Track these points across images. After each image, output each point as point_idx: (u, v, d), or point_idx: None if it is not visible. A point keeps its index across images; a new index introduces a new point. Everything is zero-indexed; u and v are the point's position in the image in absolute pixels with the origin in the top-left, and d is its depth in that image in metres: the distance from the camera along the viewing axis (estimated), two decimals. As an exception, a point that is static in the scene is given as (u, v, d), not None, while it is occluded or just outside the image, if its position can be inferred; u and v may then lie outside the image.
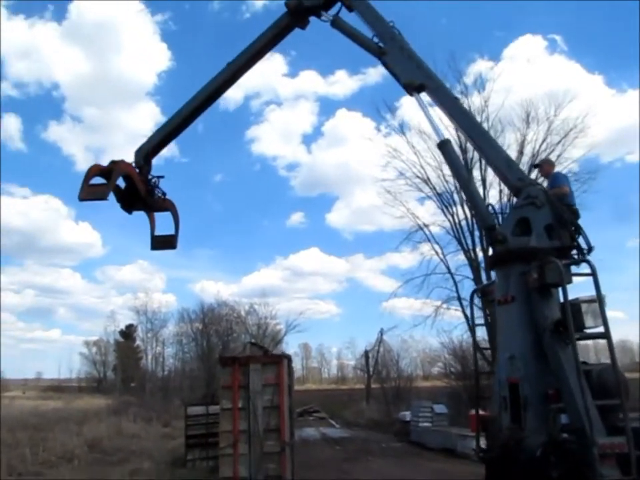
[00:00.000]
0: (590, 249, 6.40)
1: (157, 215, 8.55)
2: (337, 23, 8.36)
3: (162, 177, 8.28)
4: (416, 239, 25.05)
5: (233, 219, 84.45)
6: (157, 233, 8.53)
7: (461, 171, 7.94)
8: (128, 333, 57.67)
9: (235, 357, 10.44)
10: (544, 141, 23.20)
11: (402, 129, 25.72)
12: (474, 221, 22.44)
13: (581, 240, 6.45)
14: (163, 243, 8.45)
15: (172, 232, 8.53)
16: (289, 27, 8.62)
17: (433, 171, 24.29)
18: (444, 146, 7.55)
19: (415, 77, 7.59)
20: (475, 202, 7.67)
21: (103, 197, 7.32)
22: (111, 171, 7.54)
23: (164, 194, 8.37)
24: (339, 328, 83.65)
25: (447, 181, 23.82)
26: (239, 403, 9.86)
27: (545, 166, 8.02)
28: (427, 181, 24.59)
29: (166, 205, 8.39)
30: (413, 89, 7.61)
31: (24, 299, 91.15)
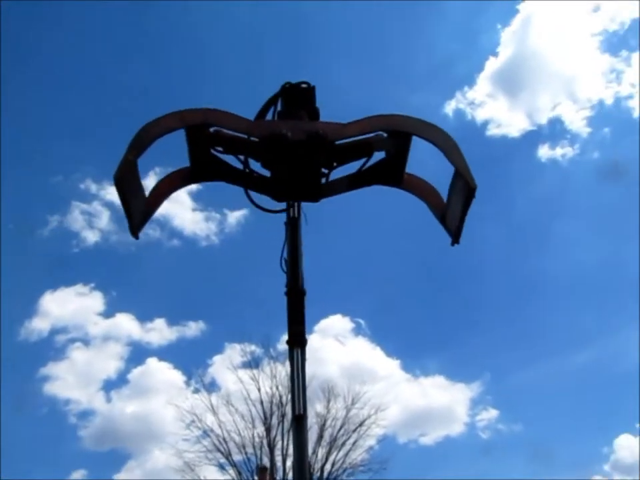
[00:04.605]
0: None
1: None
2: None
3: None
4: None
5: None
6: None
7: None
8: None
9: None
10: (342, 427, 23.31)
11: (209, 389, 24.84)
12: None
13: None
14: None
15: None
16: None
17: (235, 446, 22.77)
18: None
19: None
20: None
21: None
22: None
23: None
24: None
25: (248, 459, 22.28)
26: None
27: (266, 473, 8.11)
28: (227, 457, 22.80)
29: None
30: None
31: None
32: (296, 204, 4.48)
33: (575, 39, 35.68)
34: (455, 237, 3.86)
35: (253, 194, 4.13)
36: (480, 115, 31.89)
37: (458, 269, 33.57)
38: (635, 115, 33.53)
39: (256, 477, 21.74)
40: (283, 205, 4.43)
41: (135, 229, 3.70)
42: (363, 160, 4.13)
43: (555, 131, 33.01)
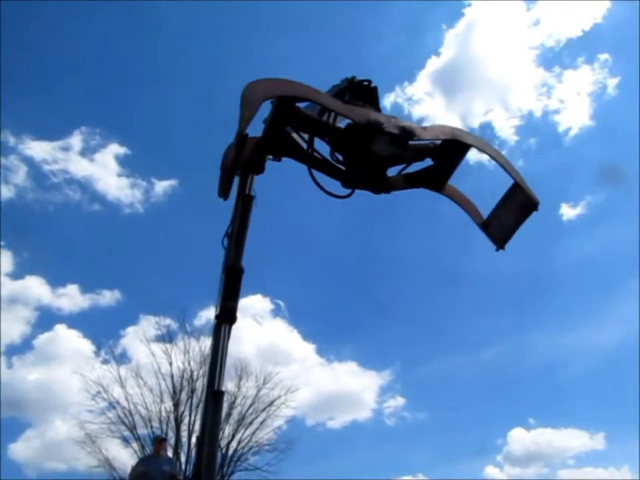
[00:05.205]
0: None
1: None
2: None
3: None
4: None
5: None
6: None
7: None
8: None
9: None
10: (251, 406, 23.24)
11: (118, 361, 23.78)
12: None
13: None
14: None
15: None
16: None
17: (140, 420, 22.36)
18: None
19: None
20: None
21: None
22: None
23: None
24: None
25: (153, 433, 21.90)
26: None
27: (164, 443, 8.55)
28: (132, 430, 22.21)
29: None
30: None
31: None
32: (249, 180, 4.42)
33: (513, 50, 37.20)
34: (501, 244, 4.19)
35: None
36: (417, 112, 32.64)
37: (379, 261, 34.61)
38: (560, 129, 35.54)
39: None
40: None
41: (228, 190, 3.98)
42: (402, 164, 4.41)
43: (485, 135, 34.40)
